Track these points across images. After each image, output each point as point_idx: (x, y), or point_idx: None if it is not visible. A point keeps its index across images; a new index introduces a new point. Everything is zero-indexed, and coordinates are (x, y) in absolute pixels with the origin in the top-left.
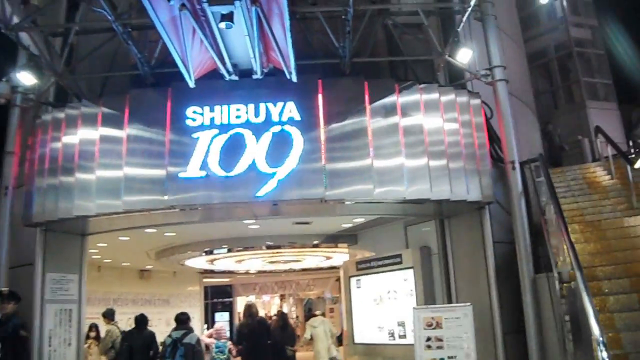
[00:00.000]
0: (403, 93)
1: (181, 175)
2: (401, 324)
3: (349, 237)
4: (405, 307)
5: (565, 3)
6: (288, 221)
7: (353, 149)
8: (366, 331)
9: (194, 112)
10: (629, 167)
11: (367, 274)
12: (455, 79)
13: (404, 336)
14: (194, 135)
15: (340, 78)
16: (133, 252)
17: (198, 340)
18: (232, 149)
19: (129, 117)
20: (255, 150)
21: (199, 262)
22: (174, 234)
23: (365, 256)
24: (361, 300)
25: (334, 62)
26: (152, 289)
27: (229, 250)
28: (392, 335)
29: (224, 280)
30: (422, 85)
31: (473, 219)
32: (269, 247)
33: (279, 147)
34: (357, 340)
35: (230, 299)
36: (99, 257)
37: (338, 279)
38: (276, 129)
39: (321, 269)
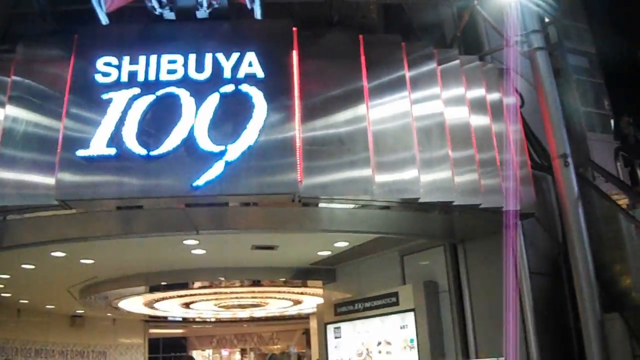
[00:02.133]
0: (412, 57)
1: (80, 153)
2: None
3: (325, 272)
4: None
5: None
6: (244, 243)
7: (342, 123)
8: None
9: (107, 63)
10: None
11: (349, 320)
12: (471, 52)
13: None
14: (105, 97)
15: (326, 28)
16: (50, 289)
17: None
18: (160, 117)
19: (15, 74)
20: (195, 118)
21: (136, 304)
22: (91, 262)
23: (347, 297)
24: (340, 356)
25: (316, 3)
26: (85, 339)
27: (168, 288)
28: None
29: (176, 331)
30: (437, 50)
31: (496, 243)
32: (210, 286)
33: (231, 114)
34: None
35: (184, 354)
36: (7, 294)
37: (305, 332)
38: (228, 88)
39: (287, 318)
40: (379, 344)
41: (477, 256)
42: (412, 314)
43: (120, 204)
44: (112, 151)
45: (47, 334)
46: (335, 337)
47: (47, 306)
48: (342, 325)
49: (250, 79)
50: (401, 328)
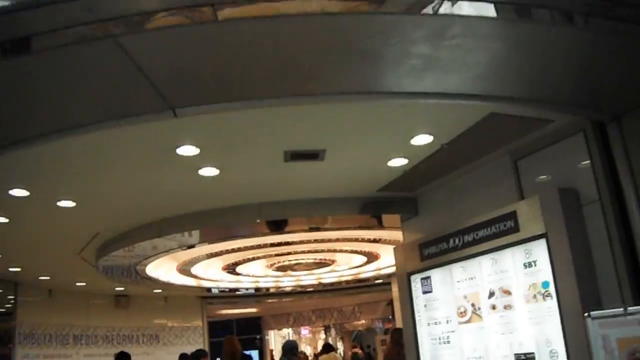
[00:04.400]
0: None
1: None
2: (528, 358)
3: (402, 203)
4: (533, 322)
5: None
6: (269, 147)
7: None
8: None
9: None
10: None
11: (442, 264)
12: None
13: None
14: None
15: None
16: (54, 256)
17: None
18: None
19: None
20: None
21: (168, 271)
22: (71, 204)
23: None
24: (433, 317)
25: None
26: (134, 321)
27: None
28: None
29: (247, 310)
30: None
31: None
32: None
33: None
34: None
35: (259, 336)
36: (17, 268)
37: (390, 303)
38: None
39: (366, 285)
40: (492, 295)
41: None
42: (542, 243)
43: None
44: None
45: (88, 317)
46: (424, 292)
47: (78, 283)
48: (433, 273)
49: None
50: (526, 267)
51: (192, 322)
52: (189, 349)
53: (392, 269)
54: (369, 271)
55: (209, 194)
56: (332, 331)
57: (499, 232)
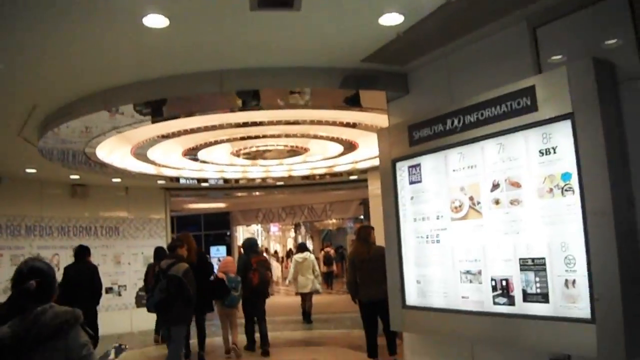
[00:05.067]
0: None
1: None
2: (537, 264)
3: (390, 78)
4: (546, 221)
5: None
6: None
7: None
8: (432, 282)
9: None
10: None
11: (436, 150)
12: None
13: (541, 295)
14: None
15: None
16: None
17: (187, 272)
18: None
19: None
20: None
21: (121, 154)
22: None
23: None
24: (421, 212)
25: None
26: (92, 212)
27: (140, 111)
28: (501, 291)
29: (215, 205)
30: None
31: None
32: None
33: None
34: (411, 300)
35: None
36: None
37: (363, 202)
38: None
39: (341, 182)
40: (496, 187)
41: None
42: (566, 125)
43: None
44: None
45: (41, 207)
46: (412, 182)
47: (28, 170)
48: (424, 160)
49: None
50: (542, 155)
51: (155, 214)
52: (151, 243)
53: (370, 163)
54: (344, 164)
55: (158, 55)
56: (302, 229)
57: (511, 112)
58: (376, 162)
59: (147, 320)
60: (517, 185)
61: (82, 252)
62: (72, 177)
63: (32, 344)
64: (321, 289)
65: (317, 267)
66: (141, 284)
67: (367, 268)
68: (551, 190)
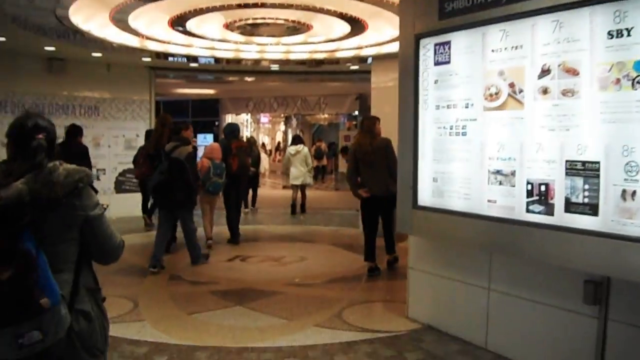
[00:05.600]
0: None
1: None
2: (588, 169)
3: None
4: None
5: None
6: None
7: None
8: (452, 181)
9: None
10: None
11: (472, 26)
12: None
13: (589, 206)
14: None
15: None
16: None
17: (189, 156)
18: None
19: None
20: None
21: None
22: None
23: None
24: (443, 96)
25: None
26: (69, 89)
27: None
28: (537, 197)
29: (204, 91)
30: None
31: None
32: None
33: None
34: (424, 200)
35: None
36: None
37: (359, 97)
38: None
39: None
40: (546, 73)
41: None
42: None
43: None
44: None
45: (14, 82)
46: (438, 63)
47: None
48: (455, 37)
49: None
50: (611, 37)
51: (139, 95)
52: (133, 125)
53: (376, 50)
54: (347, 48)
55: None
56: (293, 122)
57: None
58: (384, 49)
59: (127, 206)
60: (573, 72)
61: (73, 132)
62: (48, 48)
63: (49, 202)
64: (312, 182)
65: (310, 160)
66: (122, 168)
67: (369, 161)
68: (618, 81)
